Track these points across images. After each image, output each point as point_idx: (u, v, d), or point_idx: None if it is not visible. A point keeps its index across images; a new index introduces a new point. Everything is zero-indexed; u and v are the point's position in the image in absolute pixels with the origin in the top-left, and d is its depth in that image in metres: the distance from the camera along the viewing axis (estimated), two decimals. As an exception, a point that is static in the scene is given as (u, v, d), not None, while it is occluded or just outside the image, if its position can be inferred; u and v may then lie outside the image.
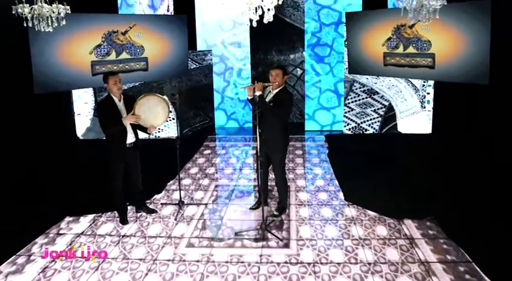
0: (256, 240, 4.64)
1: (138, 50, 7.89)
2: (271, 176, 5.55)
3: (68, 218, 5.25)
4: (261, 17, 4.76)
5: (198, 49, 9.89)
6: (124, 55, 7.71)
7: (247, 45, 10.21)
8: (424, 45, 7.34)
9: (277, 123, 4.93)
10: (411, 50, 7.57)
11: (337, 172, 6.81)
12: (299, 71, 10.63)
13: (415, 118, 9.04)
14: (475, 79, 6.68)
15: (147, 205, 5.49)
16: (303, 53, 10.40)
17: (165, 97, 5.04)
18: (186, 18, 8.62)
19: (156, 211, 5.40)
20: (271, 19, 4.85)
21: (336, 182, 6.39)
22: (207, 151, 8.30)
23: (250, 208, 5.46)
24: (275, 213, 5.24)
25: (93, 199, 5.74)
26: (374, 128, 9.31)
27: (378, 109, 9.23)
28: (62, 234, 4.86)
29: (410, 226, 4.91)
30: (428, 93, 8.90)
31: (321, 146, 8.49)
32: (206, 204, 5.66)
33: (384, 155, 7.56)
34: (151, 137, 8.96)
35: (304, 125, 10.01)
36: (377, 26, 8.07)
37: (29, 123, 6.96)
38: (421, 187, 5.99)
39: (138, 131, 5.07)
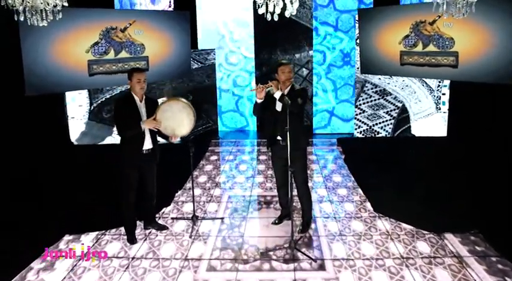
0: (286, 261, 4.09)
1: (138, 49, 7.28)
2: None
3: (67, 237, 4.63)
4: (283, 9, 4.28)
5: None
6: (123, 54, 7.09)
7: (251, 50, 9.69)
8: (447, 43, 6.86)
9: (297, 125, 4.38)
10: (431, 48, 7.09)
11: (358, 179, 6.29)
12: (305, 72, 10.10)
13: (430, 120, 8.59)
14: (505, 79, 6.21)
15: (157, 220, 4.90)
16: (309, 52, 9.89)
17: (189, 103, 4.47)
18: (189, 14, 8.04)
19: (167, 227, 4.81)
20: (294, 12, 4.33)
21: (360, 191, 5.87)
22: (214, 157, 7.73)
23: (272, 223, 4.90)
24: (301, 228, 4.70)
25: (95, 213, 5.13)
26: (386, 131, 8.82)
27: (391, 111, 8.75)
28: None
29: (453, 242, 4.40)
30: (443, 94, 8.45)
31: (334, 151, 7.96)
32: (222, 218, 5.08)
33: (403, 159, 7.07)
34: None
35: (312, 129, 9.49)
36: (393, 23, 7.58)
37: (18, 129, 6.30)
38: (453, 194, 5.52)
39: (157, 137, 4.51)
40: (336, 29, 9.34)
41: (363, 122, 8.86)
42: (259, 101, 4.42)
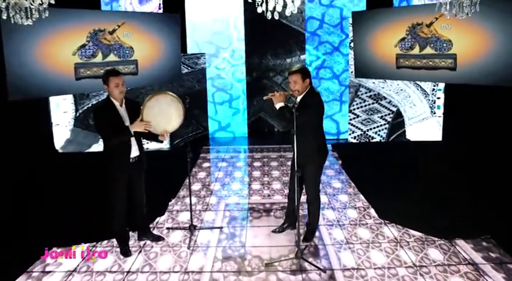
0: (293, 272, 3.83)
1: (127, 52, 6.98)
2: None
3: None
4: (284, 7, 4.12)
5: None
6: (112, 57, 6.79)
7: (241, 49, 9.47)
8: (444, 45, 6.75)
9: (307, 131, 4.16)
10: (429, 50, 6.97)
11: (358, 185, 6.09)
12: (296, 76, 9.91)
13: (425, 125, 8.46)
14: (504, 81, 6.11)
15: (151, 230, 4.60)
16: (300, 57, 9.73)
17: (177, 97, 4.19)
18: (179, 17, 7.79)
19: (163, 238, 4.50)
20: (295, 11, 4.15)
21: (362, 197, 5.66)
22: (206, 164, 7.44)
23: (273, 231, 4.64)
24: (305, 237, 4.45)
25: (84, 224, 4.80)
26: (381, 136, 8.67)
27: (385, 115, 8.61)
28: (49, 272, 3.90)
29: (466, 248, 4.20)
30: (438, 98, 8.35)
31: (330, 156, 7.73)
32: (221, 227, 4.80)
33: (403, 164, 6.90)
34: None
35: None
36: (389, 26, 7.46)
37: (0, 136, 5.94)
38: (456, 199, 5.38)
39: (143, 143, 4.22)
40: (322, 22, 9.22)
41: (357, 127, 8.69)
42: (278, 105, 4.14)
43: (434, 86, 8.29)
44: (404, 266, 3.89)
